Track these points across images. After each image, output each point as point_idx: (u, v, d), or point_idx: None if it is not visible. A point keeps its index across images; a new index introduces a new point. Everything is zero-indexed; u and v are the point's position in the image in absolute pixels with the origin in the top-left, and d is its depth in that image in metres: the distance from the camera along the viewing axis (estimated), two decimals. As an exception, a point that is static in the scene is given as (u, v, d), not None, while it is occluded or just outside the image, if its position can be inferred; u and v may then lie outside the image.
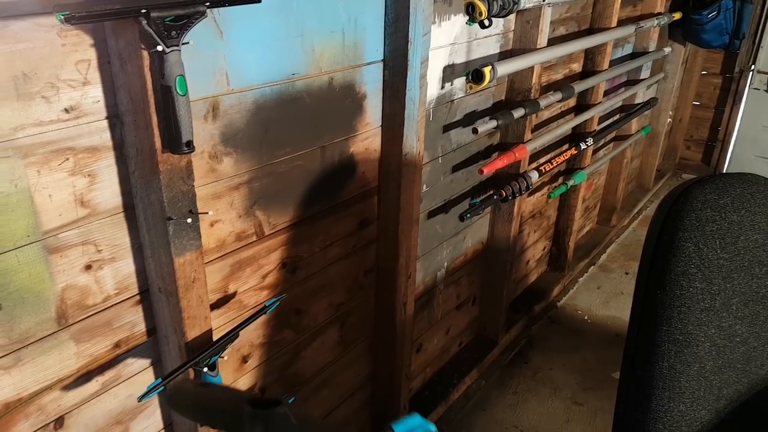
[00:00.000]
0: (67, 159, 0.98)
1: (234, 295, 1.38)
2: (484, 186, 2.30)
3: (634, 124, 3.41)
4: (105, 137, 1.02)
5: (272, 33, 1.25)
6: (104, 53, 0.97)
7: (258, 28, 1.20)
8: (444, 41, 1.77)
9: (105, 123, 1.01)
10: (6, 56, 0.86)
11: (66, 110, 0.95)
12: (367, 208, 1.74)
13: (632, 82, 3.27)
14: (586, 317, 3.14)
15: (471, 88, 1.75)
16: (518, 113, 2.03)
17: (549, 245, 3.23)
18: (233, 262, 1.35)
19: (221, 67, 1.17)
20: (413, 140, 1.67)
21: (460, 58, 1.88)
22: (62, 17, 0.77)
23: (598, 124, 2.92)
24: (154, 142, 0.99)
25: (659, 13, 3.08)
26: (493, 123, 1.93)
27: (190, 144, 0.99)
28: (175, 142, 0.97)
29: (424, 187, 1.95)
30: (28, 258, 0.97)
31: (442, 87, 1.86)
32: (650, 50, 3.19)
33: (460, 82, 1.93)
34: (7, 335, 0.98)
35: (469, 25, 1.62)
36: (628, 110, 3.27)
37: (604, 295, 3.36)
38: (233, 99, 1.22)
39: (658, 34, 3.25)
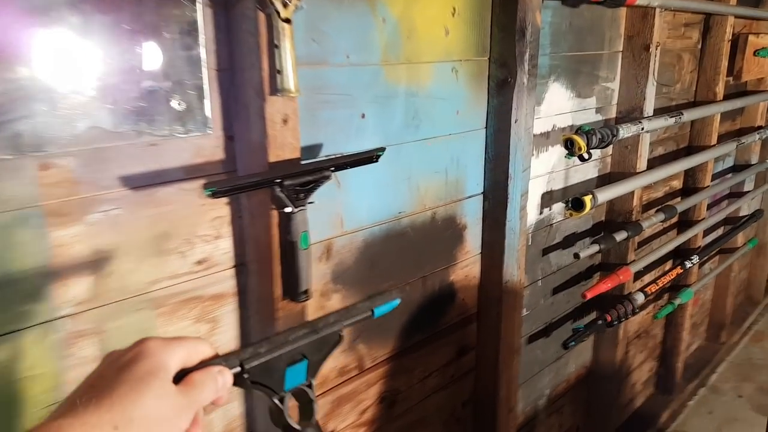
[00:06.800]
0: (195, 307, 1.04)
1: (335, 432, 1.37)
2: (586, 307, 2.22)
3: (740, 238, 3.22)
4: (230, 284, 1.08)
5: (383, 178, 1.31)
6: (237, 209, 1.05)
7: (371, 175, 1.27)
8: (542, 170, 1.80)
9: (231, 271, 1.08)
10: (152, 218, 0.95)
11: (198, 262, 1.03)
12: (466, 336, 1.72)
13: (735, 194, 3.13)
14: (699, 449, 2.85)
15: (571, 215, 1.74)
16: (620, 236, 1.98)
17: (656, 366, 3.01)
18: (333, 399, 1.35)
19: (337, 212, 1.23)
20: (514, 268, 1.66)
21: (558, 185, 1.89)
22: (210, 192, 0.85)
23: (702, 238, 2.79)
24: (274, 291, 1.04)
25: (760, 127, 2.99)
26: (595, 248, 1.89)
27: (307, 292, 1.03)
28: (295, 291, 1.02)
29: (524, 311, 1.90)
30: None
31: (541, 212, 1.86)
32: (753, 163, 3.07)
33: (558, 206, 1.92)
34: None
35: (569, 158, 1.63)
36: (733, 223, 3.11)
37: (716, 422, 3.05)
38: (345, 240, 1.27)
39: (760, 146, 3.14)
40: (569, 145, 1.61)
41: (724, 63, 2.46)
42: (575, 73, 1.81)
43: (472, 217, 1.61)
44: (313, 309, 1.24)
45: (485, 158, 1.57)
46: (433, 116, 1.40)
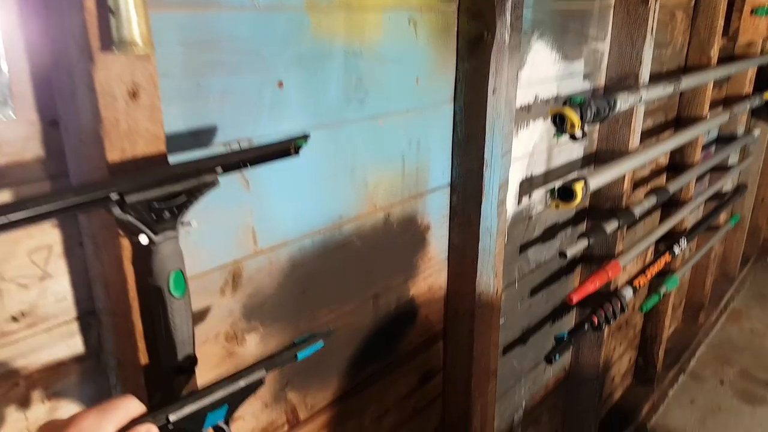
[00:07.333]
0: (16, 386, 0.67)
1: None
2: (568, 306, 1.92)
3: (723, 214, 2.98)
4: (73, 344, 0.71)
5: (315, 173, 0.95)
6: (73, 233, 0.67)
7: (296, 170, 0.90)
8: (521, 152, 1.46)
9: (74, 326, 0.71)
10: None
11: (14, 318, 0.65)
12: (431, 358, 1.39)
13: (719, 168, 2.88)
14: (682, 444, 2.65)
15: (557, 207, 1.41)
16: (611, 227, 1.67)
17: (634, 355, 2.78)
18: (259, 467, 1.01)
19: (247, 224, 0.87)
20: (489, 277, 1.33)
21: (539, 168, 1.56)
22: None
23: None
24: (139, 357, 0.68)
25: (748, 95, 2.71)
26: (584, 243, 1.58)
27: (190, 360, 0.67)
28: (168, 360, 0.65)
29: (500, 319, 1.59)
30: None
31: (519, 202, 1.53)
32: (738, 134, 2.81)
33: (539, 194, 1.59)
34: None
35: (557, 137, 1.30)
36: (715, 199, 2.86)
37: (699, 412, 2.86)
38: (262, 260, 0.91)
39: (746, 116, 2.88)
40: (558, 122, 1.27)
41: (720, 22, 2.15)
42: (562, 30, 1.46)
43: (436, 214, 1.27)
44: (218, 359, 0.89)
45: (454, 140, 1.21)
46: (384, 85, 1.04)
